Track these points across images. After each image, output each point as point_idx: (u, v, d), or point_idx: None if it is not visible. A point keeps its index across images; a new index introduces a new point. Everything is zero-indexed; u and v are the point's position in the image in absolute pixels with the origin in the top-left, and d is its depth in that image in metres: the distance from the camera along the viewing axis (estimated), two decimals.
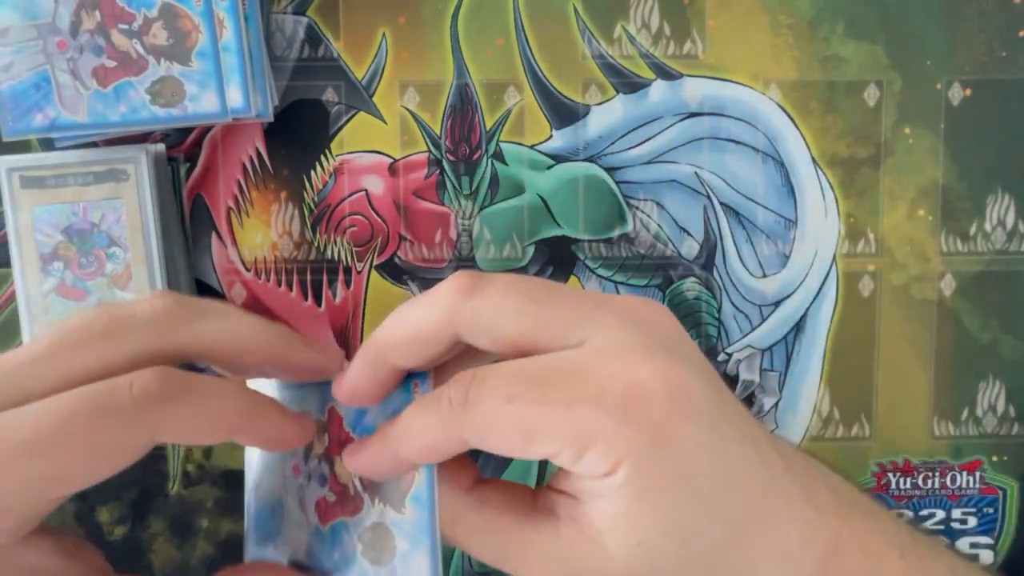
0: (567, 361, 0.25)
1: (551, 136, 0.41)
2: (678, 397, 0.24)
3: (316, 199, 0.41)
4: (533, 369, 0.25)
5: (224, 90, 0.37)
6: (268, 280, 0.41)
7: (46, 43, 0.36)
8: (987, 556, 0.43)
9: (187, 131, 0.40)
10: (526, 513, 0.27)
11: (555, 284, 0.28)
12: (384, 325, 0.28)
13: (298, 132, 0.40)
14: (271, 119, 0.39)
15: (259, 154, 0.41)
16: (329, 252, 0.41)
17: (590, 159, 0.41)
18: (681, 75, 0.41)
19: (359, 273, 0.41)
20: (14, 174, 0.37)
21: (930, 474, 0.42)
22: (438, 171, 0.41)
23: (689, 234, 0.41)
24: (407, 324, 0.27)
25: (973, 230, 0.41)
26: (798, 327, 0.42)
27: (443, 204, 0.41)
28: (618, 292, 0.41)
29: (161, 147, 0.39)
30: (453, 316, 0.26)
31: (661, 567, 0.25)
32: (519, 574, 0.27)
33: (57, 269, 0.38)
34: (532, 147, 0.41)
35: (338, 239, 0.41)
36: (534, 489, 0.29)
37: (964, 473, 0.42)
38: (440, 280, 0.41)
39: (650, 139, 0.41)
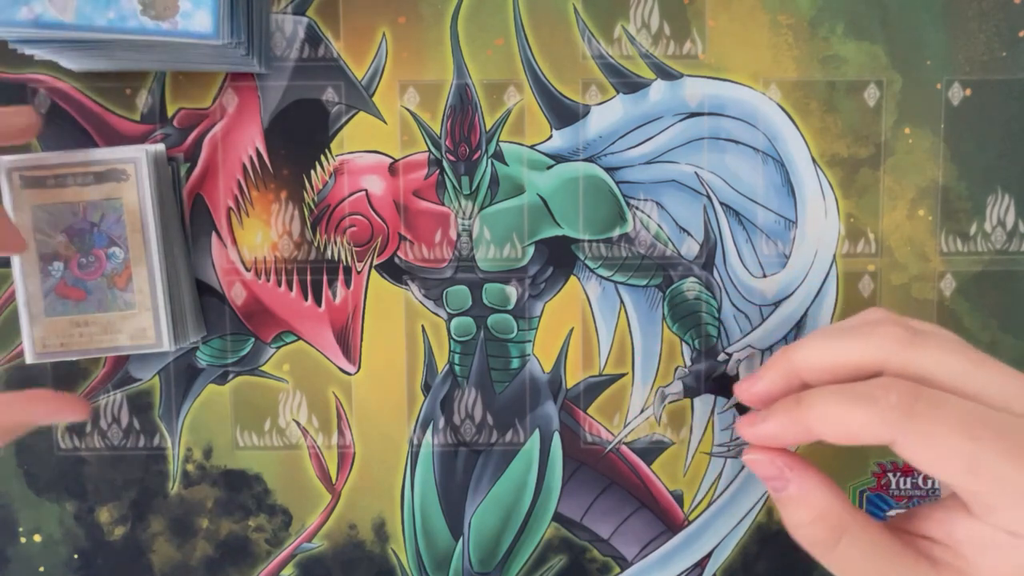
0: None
1: (551, 136, 0.41)
2: None
3: (316, 199, 0.41)
4: (996, 420, 0.27)
5: (219, 11, 0.35)
6: (268, 280, 0.41)
7: None
8: None
9: (187, 131, 0.41)
10: (902, 550, 0.29)
11: (977, 351, 0.30)
12: (804, 344, 0.31)
13: (298, 132, 0.40)
14: (260, 70, 0.39)
15: (259, 154, 0.41)
16: (329, 252, 0.41)
17: (590, 159, 0.41)
18: (681, 75, 0.41)
19: (359, 273, 0.41)
20: (14, 174, 0.37)
21: None
22: (438, 171, 0.41)
23: (689, 234, 0.41)
24: (831, 352, 0.31)
25: (973, 230, 0.41)
26: (798, 327, 0.42)
27: (443, 204, 0.41)
28: (618, 292, 0.41)
29: (161, 147, 0.39)
30: (883, 362, 0.29)
31: None
32: None
33: (57, 269, 0.38)
34: (532, 147, 0.41)
35: (338, 239, 0.41)
36: (892, 526, 0.31)
37: None
38: (441, 280, 0.41)
39: (650, 139, 0.41)
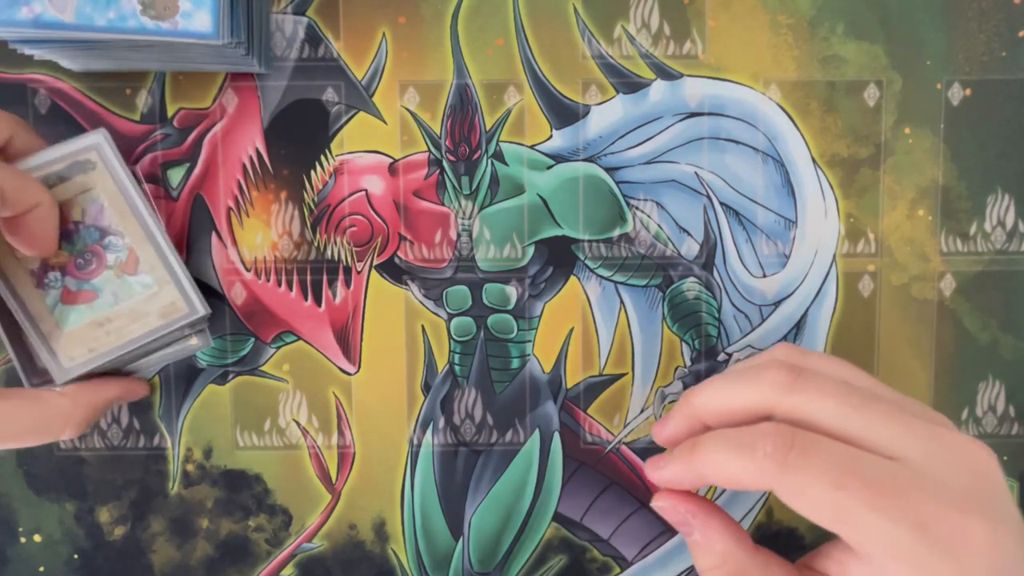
0: (897, 474, 0.27)
1: (551, 136, 0.41)
2: (998, 562, 0.27)
3: (316, 199, 0.41)
4: (865, 467, 0.27)
5: (219, 11, 0.34)
6: (268, 280, 0.41)
7: None
8: None
9: (187, 131, 0.41)
10: None
11: (870, 388, 0.31)
12: (702, 388, 0.33)
13: (298, 132, 0.40)
14: (260, 70, 0.39)
15: (259, 154, 0.41)
16: (329, 252, 0.41)
17: (590, 159, 0.41)
18: (681, 75, 0.41)
19: (359, 273, 0.41)
20: None
21: None
22: (438, 171, 0.41)
23: (689, 234, 0.41)
24: (724, 397, 0.32)
25: (973, 230, 0.41)
26: (798, 327, 0.42)
27: (443, 204, 0.41)
28: (618, 292, 0.41)
29: (102, 129, 0.37)
30: (771, 407, 0.30)
31: None
32: None
33: (55, 279, 0.36)
34: (532, 147, 0.41)
35: (338, 239, 0.41)
36: (801, 564, 0.32)
37: None
38: (441, 280, 0.41)
39: (650, 139, 0.41)
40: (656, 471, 0.33)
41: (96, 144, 0.36)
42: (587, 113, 0.41)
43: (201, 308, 0.37)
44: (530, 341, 0.41)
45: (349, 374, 0.41)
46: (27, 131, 0.36)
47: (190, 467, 0.42)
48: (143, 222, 0.36)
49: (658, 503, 0.34)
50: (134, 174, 0.38)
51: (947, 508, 0.27)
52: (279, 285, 0.41)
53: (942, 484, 0.27)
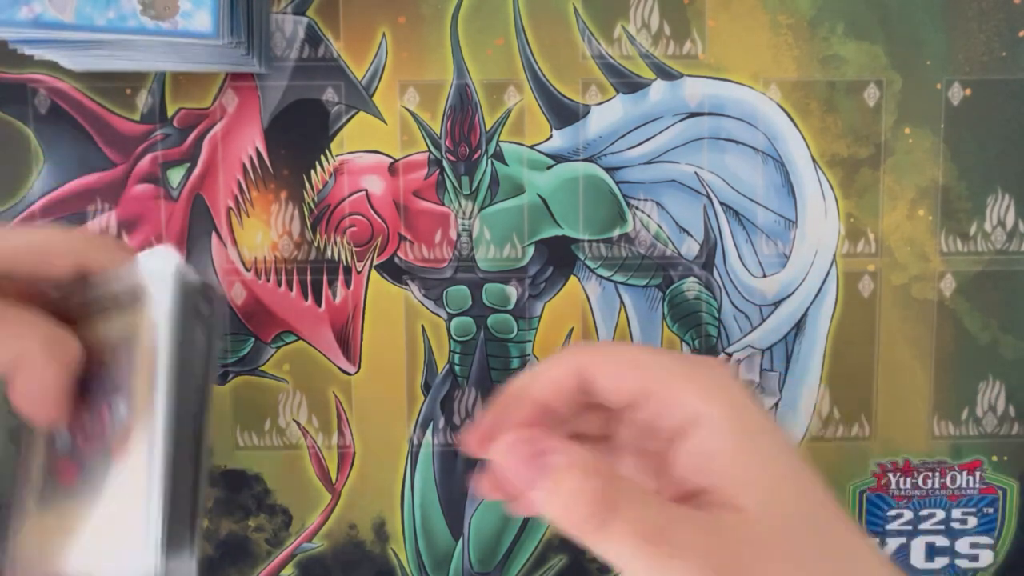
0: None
1: (551, 136, 0.41)
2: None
3: (316, 199, 0.41)
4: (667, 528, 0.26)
5: (219, 11, 0.34)
6: (268, 280, 0.41)
7: None
8: (987, 556, 0.43)
9: (187, 131, 0.41)
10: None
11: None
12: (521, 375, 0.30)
13: (298, 132, 0.40)
14: (260, 70, 0.39)
15: (259, 154, 0.41)
16: (329, 252, 0.41)
17: (590, 159, 0.41)
18: (681, 75, 0.41)
19: (359, 273, 0.41)
20: None
21: (930, 474, 0.42)
22: (438, 171, 0.41)
23: (689, 234, 0.41)
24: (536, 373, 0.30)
25: (973, 230, 0.41)
26: (798, 327, 0.42)
27: (443, 204, 0.41)
28: (618, 292, 0.41)
29: (196, 277, 0.26)
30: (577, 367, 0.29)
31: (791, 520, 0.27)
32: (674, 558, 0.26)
33: (63, 438, 0.26)
34: (532, 147, 0.41)
35: (338, 239, 0.41)
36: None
37: (964, 473, 0.42)
38: (441, 280, 0.41)
39: (650, 139, 0.41)
40: (493, 445, 0.27)
41: (157, 272, 0.25)
42: (587, 113, 0.41)
43: (153, 560, 0.23)
44: (530, 341, 0.41)
45: (349, 374, 0.41)
46: (103, 250, 0.27)
47: None
48: (154, 394, 0.24)
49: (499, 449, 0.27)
50: (209, 371, 0.26)
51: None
52: (279, 285, 0.41)
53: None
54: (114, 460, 0.25)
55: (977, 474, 0.42)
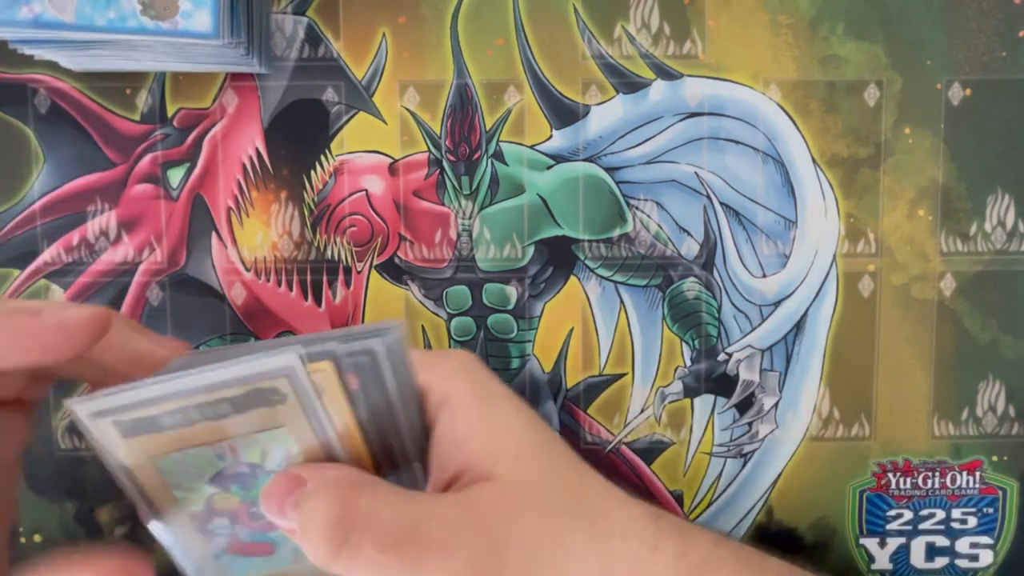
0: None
1: (551, 136, 0.41)
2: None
3: (316, 199, 0.41)
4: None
5: (219, 10, 0.34)
6: (268, 280, 0.41)
7: None
8: (987, 556, 0.43)
9: (187, 131, 0.41)
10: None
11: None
12: None
13: (298, 132, 0.40)
14: (260, 70, 0.39)
15: (259, 154, 0.41)
16: (329, 252, 0.41)
17: (590, 159, 0.41)
18: (681, 75, 0.41)
19: (359, 273, 0.41)
20: (102, 422, 0.25)
21: (930, 474, 0.42)
22: (438, 171, 0.41)
23: (689, 234, 0.41)
24: None
25: (973, 230, 0.41)
26: (798, 327, 0.42)
27: (443, 204, 0.41)
28: (618, 292, 0.41)
29: (396, 335, 0.26)
30: None
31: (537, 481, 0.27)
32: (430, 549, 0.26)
33: (222, 527, 0.28)
34: (532, 147, 0.41)
35: (338, 239, 0.41)
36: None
37: (964, 473, 0.42)
38: (441, 280, 0.41)
39: (650, 139, 0.41)
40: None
41: (287, 370, 0.25)
42: (587, 113, 0.41)
43: None
44: (530, 341, 0.41)
45: None
46: (127, 330, 0.27)
47: None
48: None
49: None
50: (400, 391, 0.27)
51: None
52: (279, 285, 0.41)
53: None
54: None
55: (977, 474, 0.42)
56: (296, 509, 0.25)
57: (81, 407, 0.25)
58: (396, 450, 0.27)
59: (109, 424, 0.25)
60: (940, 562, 0.43)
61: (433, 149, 0.41)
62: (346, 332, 0.27)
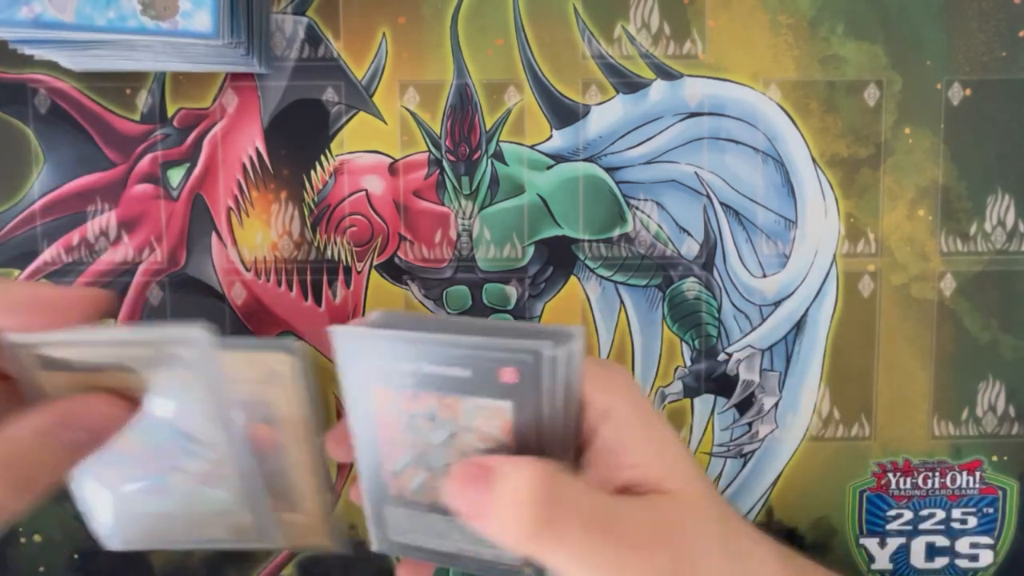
0: None
1: (551, 136, 0.41)
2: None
3: (316, 199, 0.41)
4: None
5: (219, 11, 0.34)
6: (268, 280, 0.41)
7: None
8: (987, 556, 0.43)
9: (187, 131, 0.41)
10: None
11: None
12: None
13: (298, 132, 0.40)
14: (260, 70, 0.39)
15: (259, 154, 0.41)
16: (329, 252, 0.41)
17: (590, 159, 0.41)
18: (681, 75, 0.41)
19: (359, 273, 0.41)
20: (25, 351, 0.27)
21: (930, 474, 0.42)
22: (438, 171, 0.41)
23: (689, 234, 0.41)
24: None
25: (973, 230, 0.41)
26: (798, 327, 0.42)
27: (443, 204, 0.41)
28: (618, 292, 0.41)
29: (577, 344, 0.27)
30: None
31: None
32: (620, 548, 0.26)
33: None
34: (532, 147, 0.41)
35: (338, 239, 0.41)
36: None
37: (964, 473, 0.42)
38: (441, 280, 0.41)
39: (650, 139, 0.41)
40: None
41: (192, 339, 0.27)
42: (587, 113, 0.41)
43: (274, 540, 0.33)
44: None
45: None
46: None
47: None
48: (231, 438, 0.30)
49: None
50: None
51: None
52: (279, 285, 0.41)
53: None
54: (204, 485, 0.32)
55: (977, 474, 0.42)
56: (488, 491, 0.25)
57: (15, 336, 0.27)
58: (546, 448, 0.27)
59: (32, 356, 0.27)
60: (940, 562, 0.43)
61: (433, 149, 0.41)
62: (534, 329, 0.30)
